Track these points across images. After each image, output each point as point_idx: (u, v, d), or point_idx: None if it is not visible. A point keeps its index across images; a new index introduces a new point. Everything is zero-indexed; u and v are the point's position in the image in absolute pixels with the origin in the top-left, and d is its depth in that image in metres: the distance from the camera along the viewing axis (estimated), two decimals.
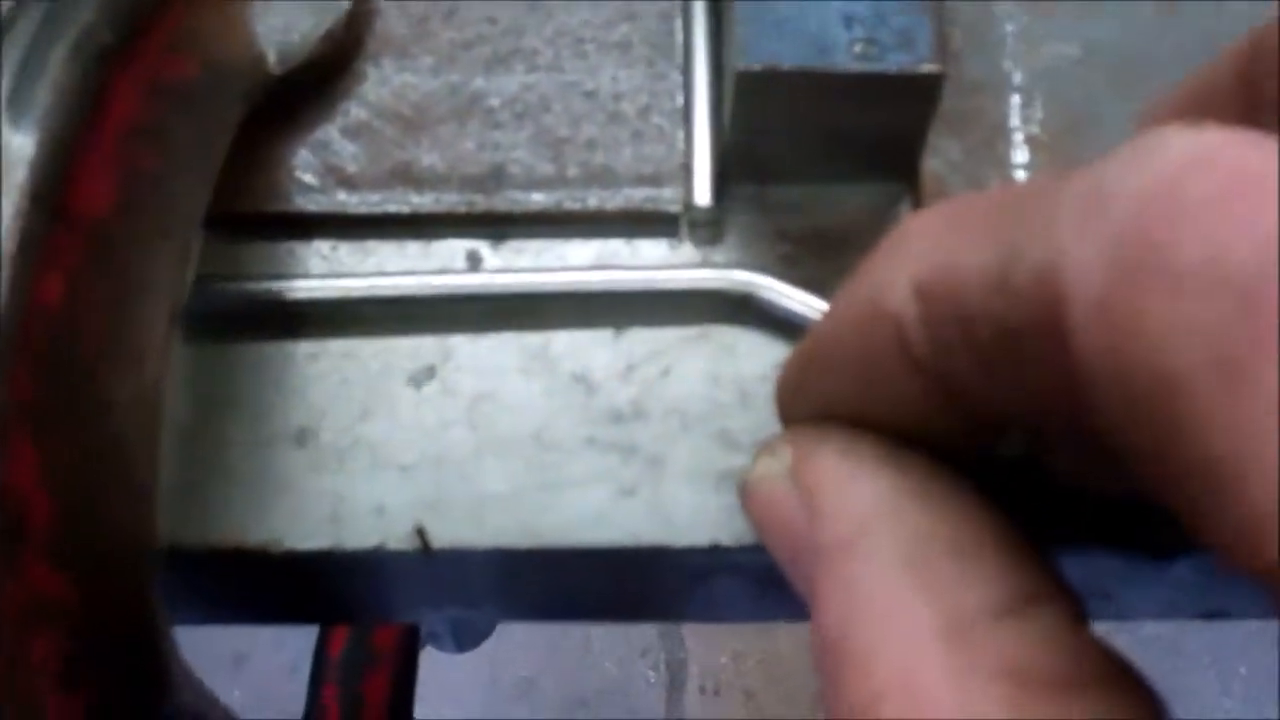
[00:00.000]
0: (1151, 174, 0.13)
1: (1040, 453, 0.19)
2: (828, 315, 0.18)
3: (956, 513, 0.17)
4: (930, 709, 0.14)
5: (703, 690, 1.30)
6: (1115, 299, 0.13)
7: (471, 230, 0.25)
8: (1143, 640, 1.30)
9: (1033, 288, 0.14)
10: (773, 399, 0.20)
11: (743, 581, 0.24)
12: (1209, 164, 0.13)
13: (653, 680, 1.30)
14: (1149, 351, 0.12)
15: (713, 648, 1.30)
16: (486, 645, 1.16)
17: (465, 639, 0.87)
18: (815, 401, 0.19)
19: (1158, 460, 0.13)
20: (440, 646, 0.88)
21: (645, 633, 1.31)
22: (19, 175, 0.18)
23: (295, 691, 0.66)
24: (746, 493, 0.19)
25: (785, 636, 1.30)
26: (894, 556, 0.16)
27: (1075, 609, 0.16)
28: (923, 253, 0.16)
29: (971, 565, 0.16)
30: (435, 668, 1.24)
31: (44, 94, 0.19)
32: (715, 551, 0.23)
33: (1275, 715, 1.25)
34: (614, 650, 1.30)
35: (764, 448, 0.19)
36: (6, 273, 0.17)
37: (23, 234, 0.17)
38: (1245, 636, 1.30)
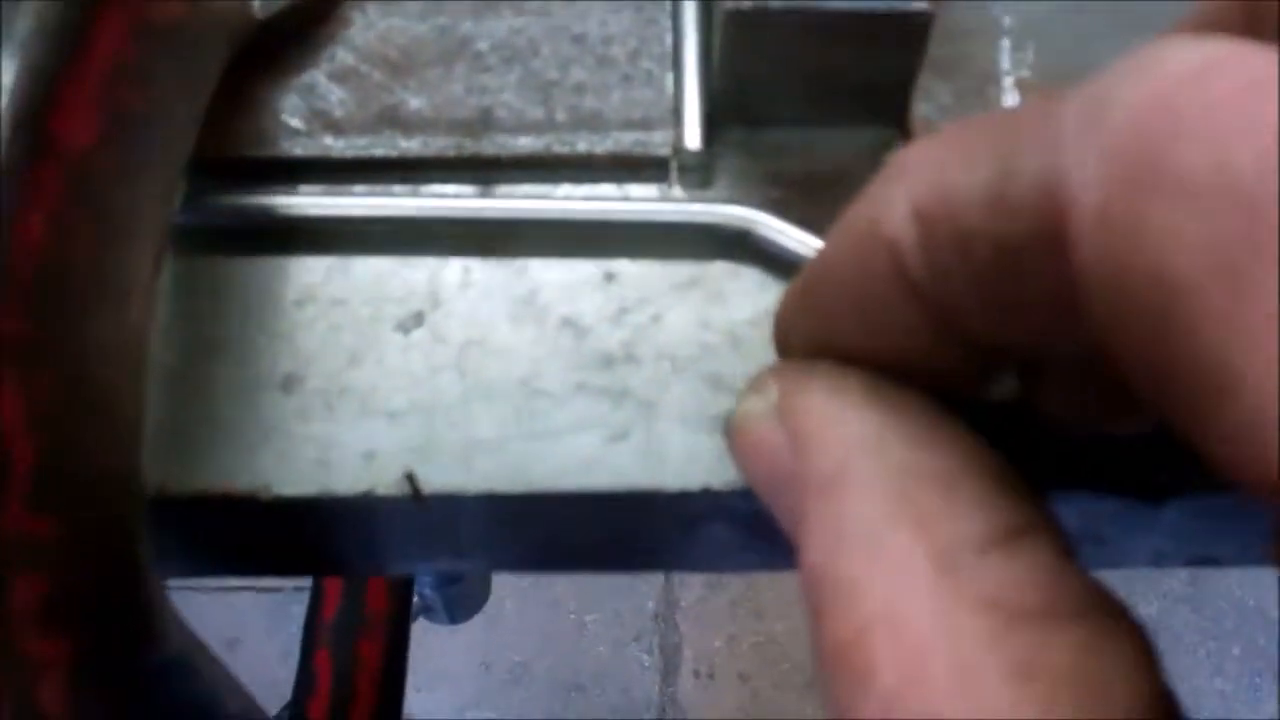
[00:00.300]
0: (1154, 81, 0.13)
1: (1034, 394, 0.19)
2: (824, 247, 0.18)
3: (943, 447, 0.17)
4: (917, 640, 0.14)
5: (697, 674, 1.30)
6: (1116, 207, 0.13)
7: (459, 174, 0.25)
8: None
9: (1032, 201, 0.14)
10: (770, 338, 0.20)
11: (734, 527, 0.24)
12: (1212, 71, 0.13)
13: (647, 664, 1.30)
14: (1150, 258, 0.12)
15: (707, 631, 1.30)
16: (480, 629, 1.16)
17: (458, 610, 0.87)
18: (811, 335, 0.19)
19: (1157, 369, 0.13)
20: (434, 619, 0.88)
21: (639, 617, 1.31)
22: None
23: (288, 676, 0.66)
24: (732, 430, 0.19)
25: (779, 620, 1.30)
26: (880, 489, 0.16)
27: (1061, 542, 0.16)
28: (920, 177, 0.16)
29: (958, 498, 0.16)
30: (429, 650, 1.24)
31: (24, 22, 0.18)
32: (707, 495, 0.23)
33: (1268, 696, 1.26)
34: (608, 634, 1.31)
35: (750, 385, 0.19)
36: None
37: (4, 163, 0.17)
38: (1238, 618, 1.30)
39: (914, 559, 0.15)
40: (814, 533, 0.16)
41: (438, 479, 0.22)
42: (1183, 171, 0.12)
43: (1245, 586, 1.29)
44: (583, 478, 0.23)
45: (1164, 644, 1.27)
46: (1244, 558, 0.26)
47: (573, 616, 1.30)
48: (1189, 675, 1.29)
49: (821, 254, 0.18)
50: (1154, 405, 0.13)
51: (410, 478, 0.22)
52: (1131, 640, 0.14)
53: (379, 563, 0.25)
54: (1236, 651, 1.31)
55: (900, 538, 0.15)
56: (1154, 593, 1.28)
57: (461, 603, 0.88)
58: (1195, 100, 0.12)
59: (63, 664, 0.19)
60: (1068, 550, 0.15)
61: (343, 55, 0.25)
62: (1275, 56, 0.13)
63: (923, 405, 0.17)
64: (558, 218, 0.24)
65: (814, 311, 0.19)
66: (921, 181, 0.16)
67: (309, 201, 0.24)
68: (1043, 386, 0.19)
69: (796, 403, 0.18)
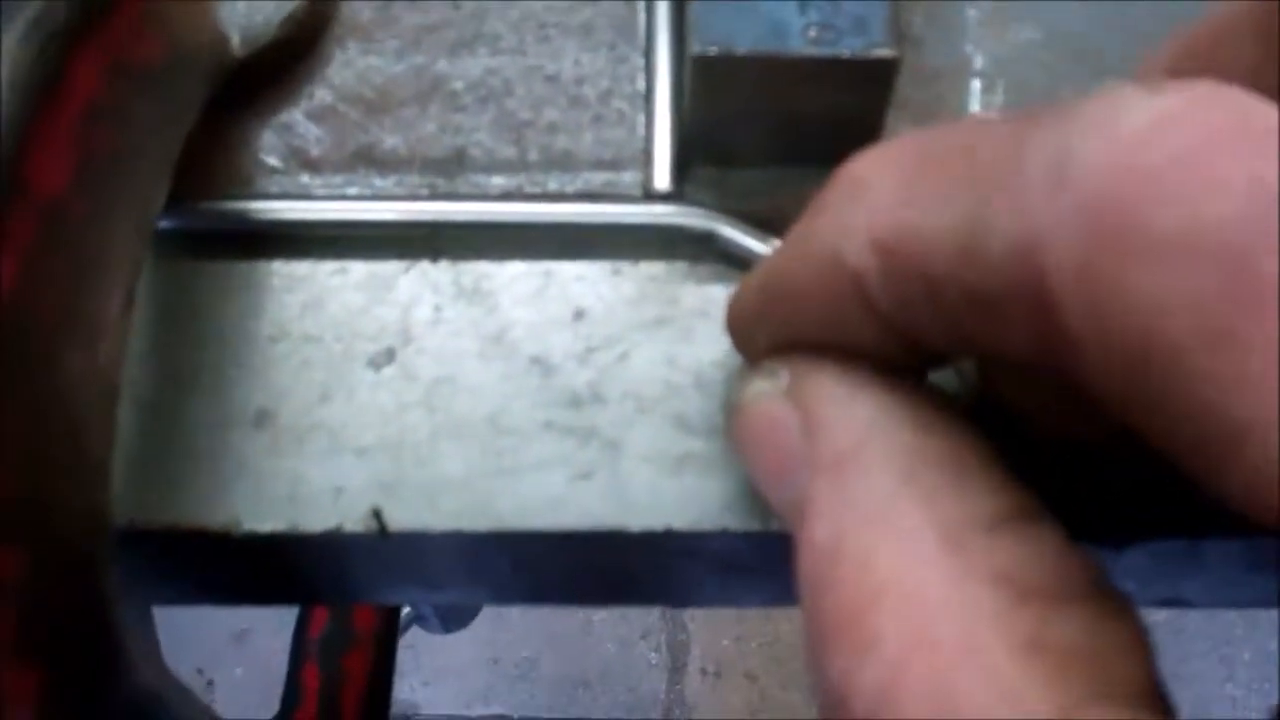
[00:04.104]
0: (1115, 140, 0.13)
1: (991, 387, 0.20)
2: (785, 250, 0.18)
3: (949, 433, 0.17)
4: (925, 609, 0.15)
5: (704, 672, 1.30)
6: (1096, 271, 0.13)
7: None
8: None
9: (1007, 260, 0.14)
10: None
11: (702, 565, 0.24)
12: (1169, 125, 0.13)
13: (654, 662, 1.31)
14: (1137, 321, 0.13)
15: (715, 630, 1.31)
16: (486, 626, 1.16)
17: (451, 620, 0.88)
18: (773, 335, 0.19)
19: (1158, 419, 0.13)
20: (427, 628, 0.88)
21: (647, 615, 1.32)
22: None
23: None
24: (738, 411, 0.19)
25: (786, 620, 1.30)
26: (891, 468, 0.16)
27: (1062, 527, 0.16)
28: (880, 205, 0.16)
29: (965, 479, 0.16)
30: (436, 648, 1.25)
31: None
32: (670, 535, 0.23)
33: (1278, 701, 1.26)
34: (615, 632, 1.31)
35: (754, 370, 0.19)
36: None
37: None
38: (1248, 623, 1.30)
39: (923, 533, 0.15)
40: (824, 507, 0.17)
41: (404, 516, 0.23)
42: (1155, 233, 0.12)
43: None
44: (548, 516, 0.23)
45: (1174, 650, 1.27)
46: (1211, 599, 0.27)
47: (579, 615, 1.31)
48: (1199, 680, 1.29)
49: (780, 262, 0.19)
50: (1160, 449, 0.13)
51: (377, 514, 0.23)
52: (1130, 625, 0.15)
53: (349, 595, 0.26)
54: (1247, 657, 1.30)
55: (911, 512, 0.16)
56: None
57: (453, 613, 0.89)
58: (1158, 157, 0.13)
59: (34, 696, 0.19)
60: (1069, 535, 0.16)
61: (320, 94, 0.25)
62: (1233, 100, 0.13)
63: (924, 393, 0.18)
64: (525, 220, 0.24)
65: (774, 315, 0.19)
66: (882, 212, 0.16)
67: (283, 206, 0.24)
68: (1002, 382, 0.20)
69: (807, 385, 0.18)
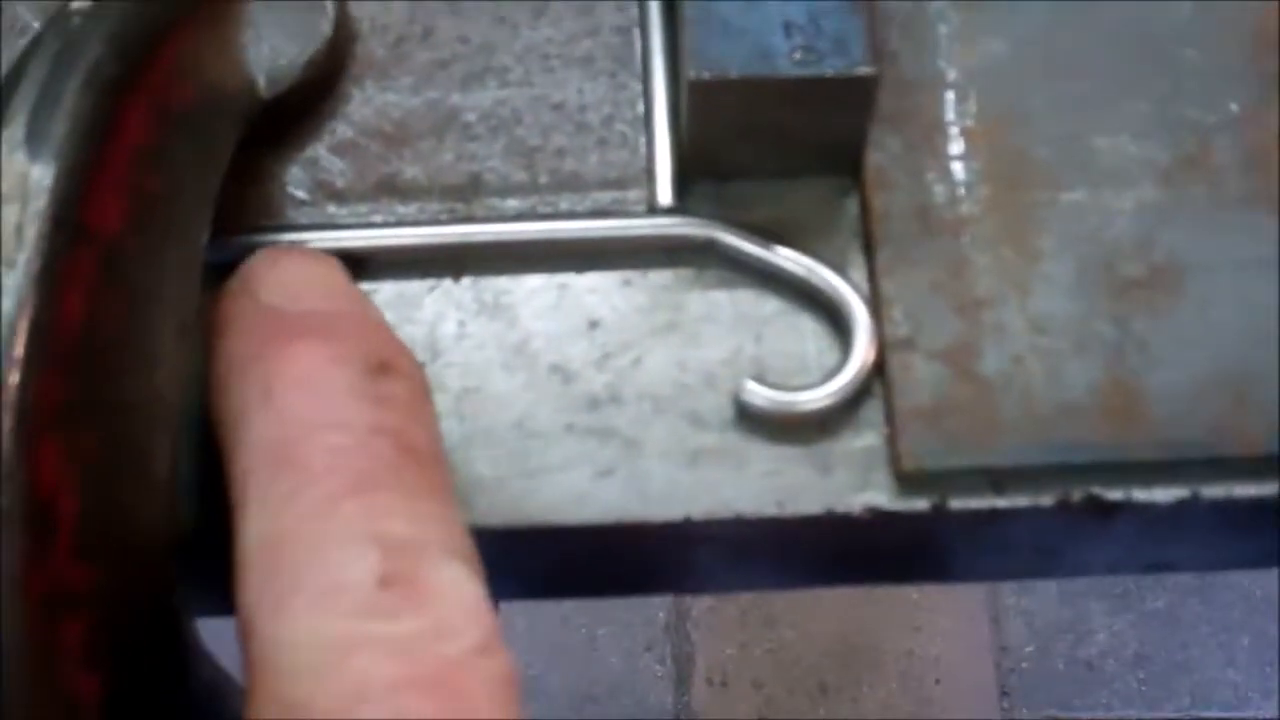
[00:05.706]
0: None
1: None
2: None
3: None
4: None
5: (710, 682, 1.31)
6: None
7: None
8: (1145, 615, 1.32)
9: None
10: (742, 374, 0.22)
11: (717, 552, 0.26)
12: None
13: (660, 674, 1.32)
14: None
15: (719, 640, 1.32)
16: None
17: None
18: None
19: None
20: None
21: (650, 628, 1.33)
22: (41, 202, 0.20)
23: None
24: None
25: (790, 627, 1.31)
26: None
27: None
28: None
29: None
30: None
31: (59, 126, 0.20)
32: (688, 524, 0.25)
33: (1278, 685, 1.27)
34: (620, 646, 1.32)
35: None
36: (36, 291, 0.19)
37: (46, 255, 0.19)
38: (1247, 609, 1.31)
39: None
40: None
41: None
42: None
43: (1253, 577, 1.30)
44: (574, 511, 0.25)
45: (1174, 637, 1.28)
46: (1196, 561, 0.28)
47: (584, 630, 1.32)
48: (1200, 667, 1.29)
49: None
50: None
51: None
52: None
53: None
54: (1246, 642, 1.31)
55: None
56: (1162, 585, 1.29)
57: None
58: None
59: (102, 699, 0.20)
60: None
61: (342, 129, 0.27)
62: None
63: None
64: (540, 238, 0.26)
65: None
66: None
67: (312, 236, 0.26)
68: None
69: None
